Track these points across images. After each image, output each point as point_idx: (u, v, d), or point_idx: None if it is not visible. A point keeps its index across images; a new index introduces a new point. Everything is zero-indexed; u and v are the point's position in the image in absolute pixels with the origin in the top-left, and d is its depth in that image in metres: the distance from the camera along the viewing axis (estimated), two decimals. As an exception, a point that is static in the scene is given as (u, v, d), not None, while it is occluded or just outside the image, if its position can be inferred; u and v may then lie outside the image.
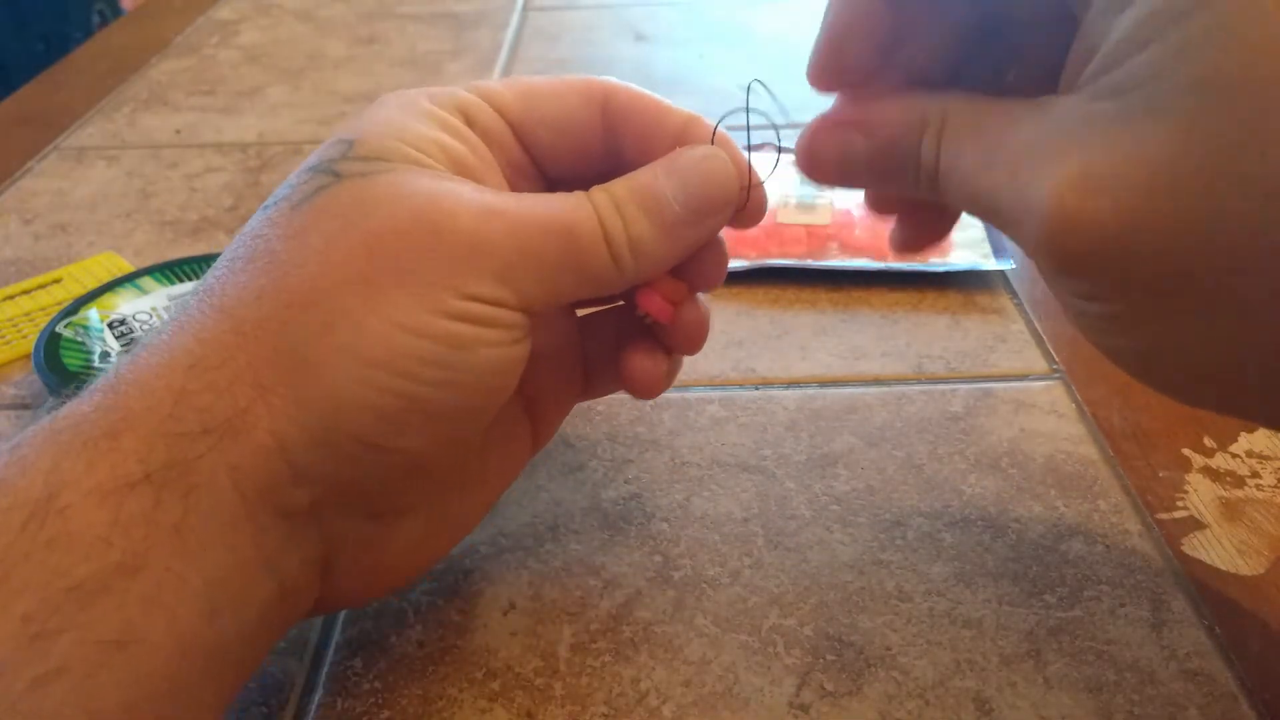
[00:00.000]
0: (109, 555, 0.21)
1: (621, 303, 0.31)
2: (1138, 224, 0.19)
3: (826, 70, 0.26)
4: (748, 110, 0.27)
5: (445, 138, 0.26)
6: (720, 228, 0.27)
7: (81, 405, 0.23)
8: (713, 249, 0.28)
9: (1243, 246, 0.19)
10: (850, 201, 0.48)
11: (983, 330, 0.42)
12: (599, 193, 0.26)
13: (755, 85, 0.27)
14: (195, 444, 0.22)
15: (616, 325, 0.31)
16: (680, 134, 0.28)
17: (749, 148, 0.28)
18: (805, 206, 0.48)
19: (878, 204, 0.30)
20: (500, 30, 0.77)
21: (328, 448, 0.23)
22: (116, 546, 0.21)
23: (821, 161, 0.27)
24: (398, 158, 0.25)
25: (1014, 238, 0.23)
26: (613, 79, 0.29)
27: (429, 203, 0.24)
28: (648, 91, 0.29)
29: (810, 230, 0.47)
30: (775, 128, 0.28)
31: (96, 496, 0.21)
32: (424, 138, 0.26)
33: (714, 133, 0.28)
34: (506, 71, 0.70)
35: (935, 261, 0.45)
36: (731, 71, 0.68)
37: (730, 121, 0.28)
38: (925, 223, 0.30)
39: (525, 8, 0.81)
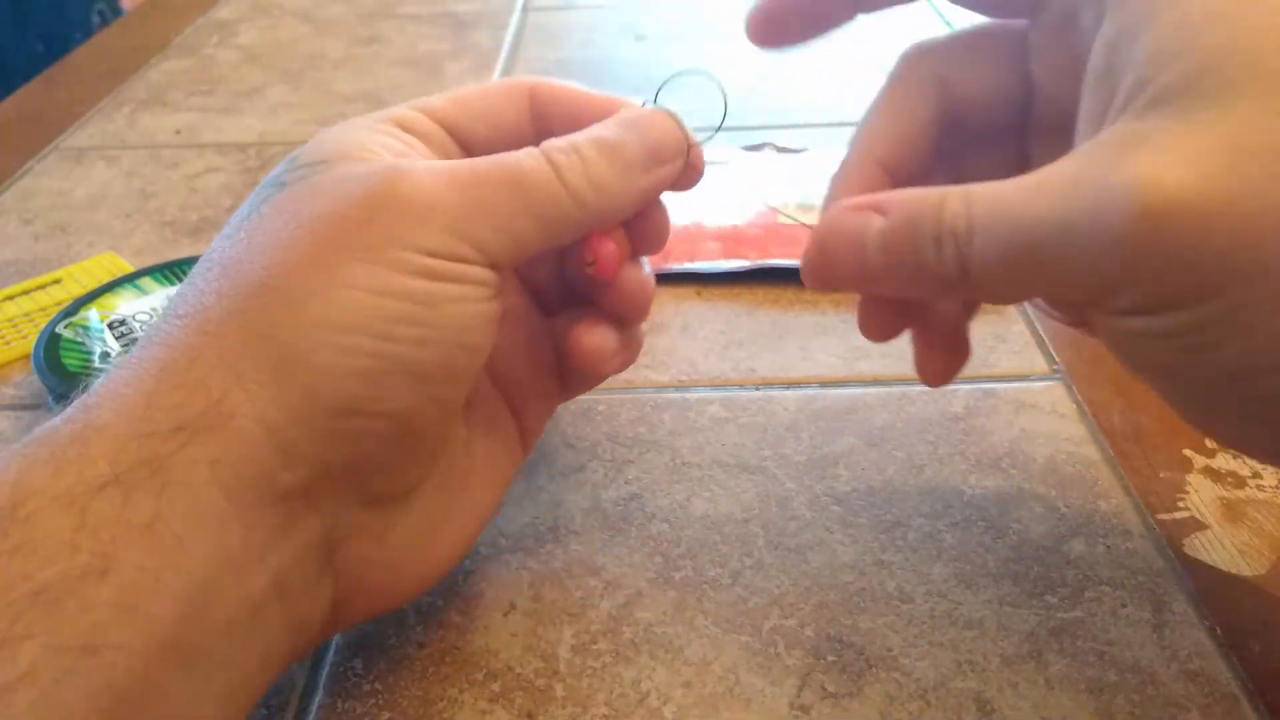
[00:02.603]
0: (75, 559, 0.20)
1: (590, 304, 0.31)
2: (1243, 191, 0.19)
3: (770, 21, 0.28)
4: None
5: (385, 139, 0.27)
6: (670, 180, 0.28)
7: (54, 421, 0.23)
8: (656, 209, 0.29)
9: None
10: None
11: (983, 330, 0.42)
12: (552, 139, 0.27)
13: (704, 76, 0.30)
14: (167, 442, 0.22)
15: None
16: (605, 115, 0.29)
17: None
18: (805, 206, 0.48)
19: (876, 322, 0.29)
20: (500, 30, 0.77)
21: (315, 422, 0.23)
22: (84, 550, 0.20)
23: (833, 250, 0.26)
24: (337, 157, 0.26)
25: (1064, 277, 0.22)
26: (536, 77, 0.30)
27: (369, 177, 0.25)
28: (569, 83, 0.30)
29: (810, 230, 0.47)
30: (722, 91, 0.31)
31: (62, 502, 0.21)
32: (363, 142, 0.27)
33: (656, 98, 0.29)
34: (506, 72, 0.70)
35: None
36: (734, 70, 0.67)
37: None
38: (940, 336, 0.29)
39: (525, 8, 0.81)
